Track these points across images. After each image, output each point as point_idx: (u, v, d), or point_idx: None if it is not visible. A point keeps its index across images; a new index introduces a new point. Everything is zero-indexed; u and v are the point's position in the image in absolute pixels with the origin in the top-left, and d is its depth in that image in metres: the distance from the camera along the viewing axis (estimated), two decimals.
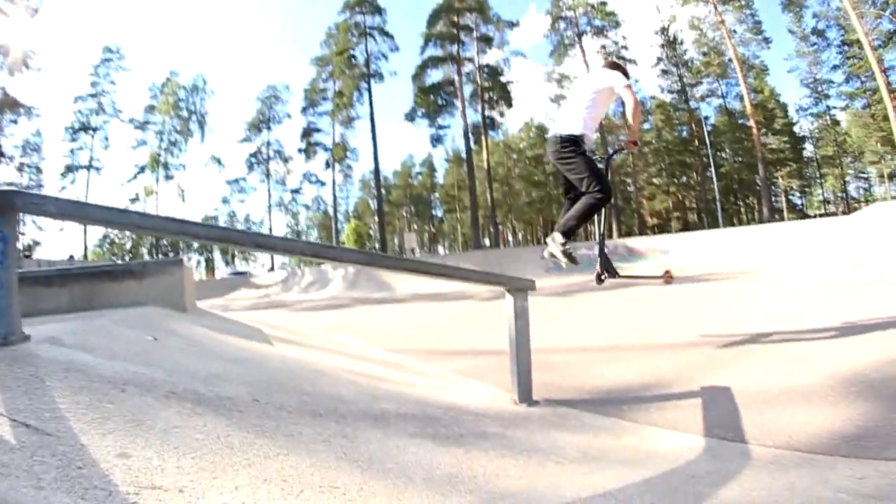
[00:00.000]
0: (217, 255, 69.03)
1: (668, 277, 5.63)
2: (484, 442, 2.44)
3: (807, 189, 53.08)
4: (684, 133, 48.84)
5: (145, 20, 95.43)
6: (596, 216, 4.82)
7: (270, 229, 55.04)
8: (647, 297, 10.80)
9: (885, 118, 32.94)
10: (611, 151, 5.72)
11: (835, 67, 42.30)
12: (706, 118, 46.54)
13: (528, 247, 41.72)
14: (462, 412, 2.99)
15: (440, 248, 72.41)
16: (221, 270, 69.83)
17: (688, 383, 3.74)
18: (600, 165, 4.78)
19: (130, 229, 2.70)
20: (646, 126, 49.86)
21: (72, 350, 2.21)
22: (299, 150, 46.80)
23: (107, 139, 47.66)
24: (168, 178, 51.50)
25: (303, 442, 1.88)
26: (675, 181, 50.56)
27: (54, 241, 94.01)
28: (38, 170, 46.57)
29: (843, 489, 1.86)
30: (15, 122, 42.67)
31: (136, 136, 49.92)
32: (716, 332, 5.55)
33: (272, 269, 49.97)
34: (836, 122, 46.70)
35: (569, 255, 4.64)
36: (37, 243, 48.11)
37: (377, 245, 47.14)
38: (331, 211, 51.61)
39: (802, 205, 53.86)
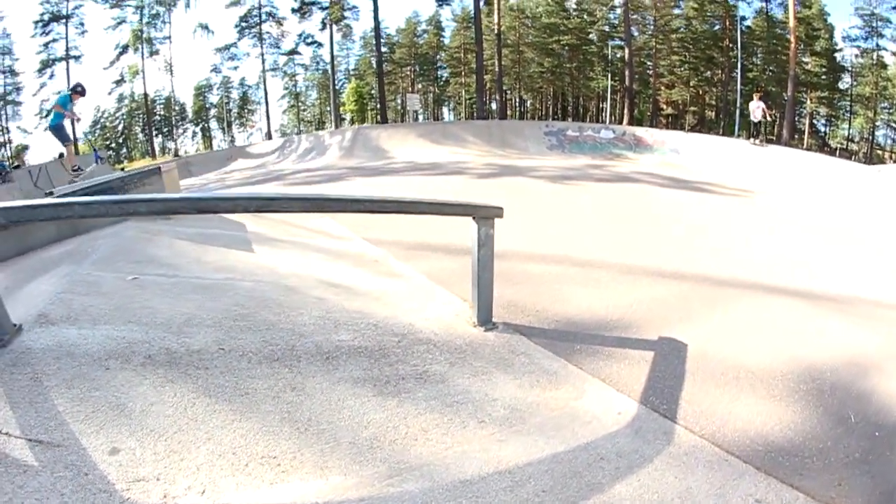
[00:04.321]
0: (214, 125, 67.83)
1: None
2: (421, 388, 2.64)
3: (834, 118, 49.84)
4: (716, 27, 45.25)
5: None
6: None
7: (266, 94, 53.35)
8: (649, 198, 10.61)
9: None
10: None
11: None
12: (743, 18, 42.96)
13: (532, 120, 40.88)
14: (415, 341, 3.20)
15: (445, 111, 70.79)
16: (219, 139, 69.12)
17: (651, 328, 3.78)
18: None
19: (76, 217, 2.86)
20: (675, 10, 46.62)
21: (59, 328, 2.55)
22: (293, 11, 44.26)
23: (82, 24, 44.41)
24: (153, 53, 48.75)
25: (255, 401, 2.27)
26: (699, 74, 47.85)
27: (42, 142, 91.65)
28: (13, 72, 44.26)
29: None
30: None
31: (112, 16, 46.34)
32: (703, 265, 5.58)
33: (269, 137, 49.30)
34: (884, 65, 42.76)
35: None
36: (25, 147, 47.17)
37: (377, 106, 45.60)
38: (330, 71, 49.97)
39: (825, 133, 51.13)
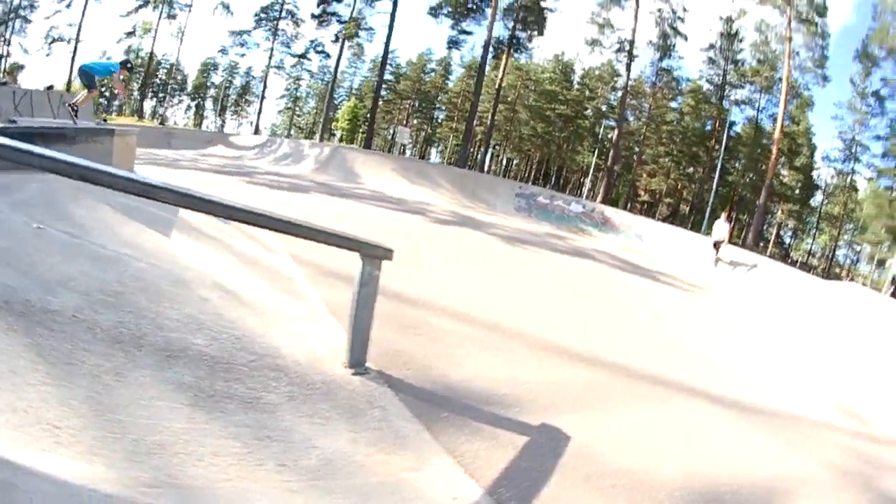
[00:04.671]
0: (209, 105, 67.68)
1: None
2: (242, 413, 2.46)
3: (800, 232, 52.90)
4: (707, 127, 47.68)
5: None
6: None
7: (264, 89, 53.62)
8: (599, 278, 10.73)
9: None
10: None
11: (878, 138, 40.82)
12: (733, 123, 45.41)
13: (511, 180, 41.56)
14: (269, 365, 3.04)
15: (433, 151, 71.71)
16: (210, 120, 68.83)
17: (537, 412, 3.49)
18: None
19: None
20: (672, 104, 48.99)
21: None
22: (313, 16, 44.46)
23: None
24: (171, 16, 49.30)
25: (75, 373, 2.28)
26: (680, 169, 50.01)
27: (40, 66, 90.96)
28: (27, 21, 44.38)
29: None
30: None
31: None
32: (627, 355, 5.34)
33: (257, 131, 49.30)
34: (855, 189, 45.77)
35: None
36: (21, 66, 46.70)
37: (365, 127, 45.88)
38: (335, 83, 50.36)
39: (790, 245, 54.01)
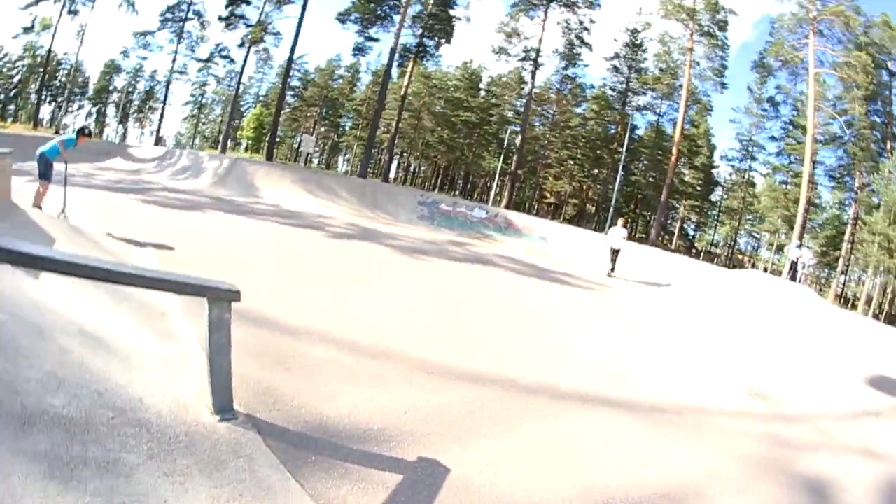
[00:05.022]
0: (111, 111, 64.35)
1: None
2: (98, 480, 2.32)
3: (703, 224, 57.31)
4: (611, 131, 49.90)
5: None
6: None
7: (166, 95, 51.41)
8: (496, 285, 10.77)
9: (795, 201, 36.74)
10: None
11: (773, 138, 45.40)
12: (635, 126, 48.45)
13: (412, 187, 41.91)
14: (131, 421, 2.86)
15: (340, 159, 71.27)
16: (112, 127, 65.52)
17: (415, 445, 3.39)
18: None
19: None
20: (577, 110, 51.02)
21: None
22: (220, 18, 42.74)
23: None
24: (73, 12, 45.91)
25: None
26: (585, 170, 52.03)
27: None
28: None
29: None
30: None
31: None
32: (521, 367, 5.29)
33: (158, 141, 47.38)
34: (752, 184, 50.53)
35: None
36: None
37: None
38: (240, 90, 49.25)
39: (694, 237, 58.37)
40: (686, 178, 49.60)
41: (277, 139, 49.41)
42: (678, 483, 3.55)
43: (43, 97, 53.51)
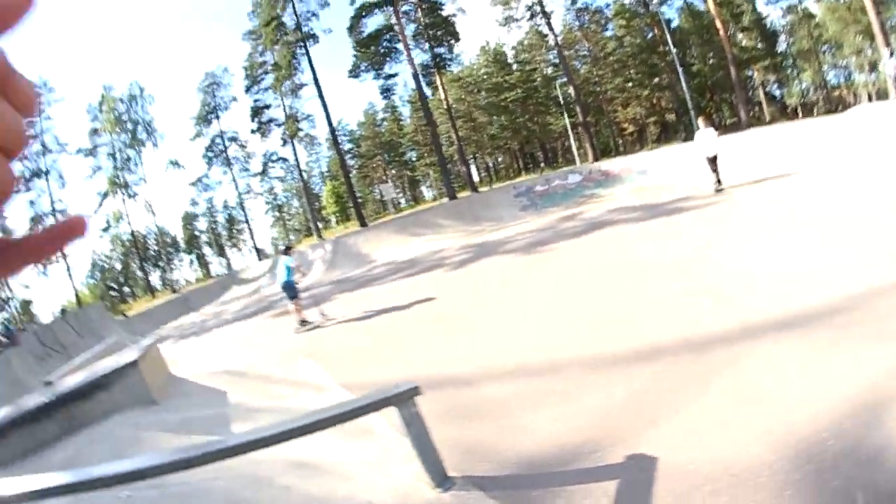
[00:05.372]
0: (207, 250, 69.31)
1: None
2: None
3: (784, 80, 51.82)
4: (649, 36, 47.42)
5: (65, 43, 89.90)
6: None
7: (246, 216, 55.26)
8: (622, 243, 10.11)
9: (863, 10, 32.55)
10: None
11: None
12: (669, 21, 45.54)
13: (501, 184, 41.40)
14: None
15: (423, 189, 72.17)
16: (215, 263, 70.45)
17: (618, 445, 3.29)
18: None
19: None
20: (606, 33, 48.98)
21: None
22: (253, 132, 45.32)
23: (61, 177, 46.15)
24: (132, 196, 50.30)
25: None
26: (646, 85, 49.46)
27: (45, 292, 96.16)
28: (5, 230, 46.16)
29: None
30: None
31: (88, 165, 48.50)
32: (683, 325, 4.88)
33: (259, 255, 50.20)
34: (811, 15, 45.52)
35: None
36: (28, 302, 48.96)
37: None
38: (304, 178, 51.23)
39: (781, 96, 52.97)
40: (744, 44, 45.74)
41: (360, 200, 50.71)
42: (867, 388, 3.12)
43: (146, 270, 58.97)
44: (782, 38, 48.47)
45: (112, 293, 65.72)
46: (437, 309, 9.43)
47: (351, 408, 3.45)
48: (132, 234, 53.00)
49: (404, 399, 3.44)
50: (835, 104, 43.87)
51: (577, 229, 13.65)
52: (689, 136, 31.50)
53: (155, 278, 64.07)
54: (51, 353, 18.32)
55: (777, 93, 53.40)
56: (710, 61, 45.10)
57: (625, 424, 3.59)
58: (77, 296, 49.05)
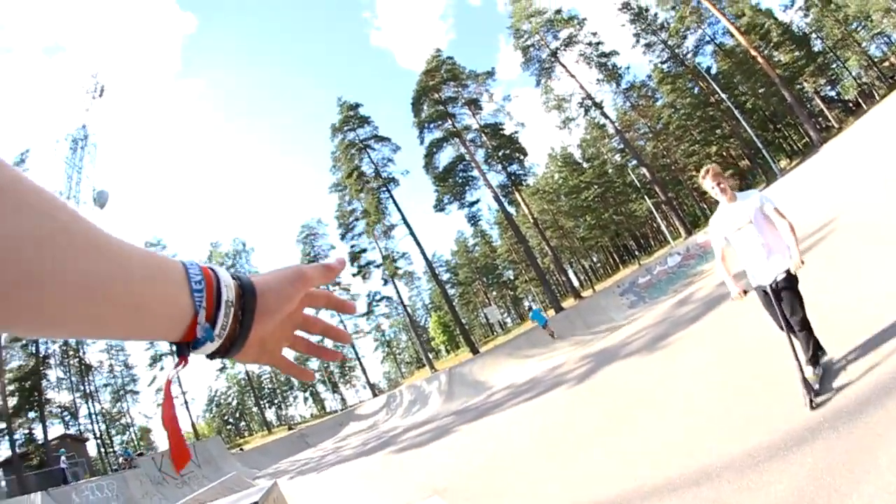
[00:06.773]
0: (320, 388, 71.31)
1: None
2: None
3: (834, 77, 50.71)
4: (696, 90, 47.83)
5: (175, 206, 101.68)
6: None
7: (357, 355, 56.66)
8: (745, 318, 8.05)
9: None
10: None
11: None
12: (707, 69, 46.24)
13: (602, 289, 40.44)
14: None
15: (526, 303, 72.15)
16: (329, 399, 71.96)
17: None
18: None
19: None
20: (657, 103, 49.78)
21: None
22: (353, 276, 47.98)
23: None
24: None
25: None
26: (711, 139, 49.21)
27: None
28: (128, 366, 51.95)
29: None
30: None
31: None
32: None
33: (374, 391, 50.96)
34: (829, 1, 44.97)
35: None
36: (148, 430, 54.96)
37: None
38: (410, 312, 52.64)
39: (838, 94, 51.44)
40: (784, 60, 44.84)
41: (466, 327, 51.28)
42: None
43: (262, 406, 62.01)
44: (813, 36, 47.75)
45: (228, 427, 68.44)
46: (569, 435, 8.19)
47: None
48: (246, 373, 56.27)
49: None
50: (889, 76, 42.19)
51: (694, 313, 12.54)
52: (768, 174, 29.54)
53: (270, 414, 66.41)
54: (167, 480, 19.30)
55: (832, 93, 51.57)
56: (761, 90, 43.89)
57: None
58: (194, 427, 51.91)
